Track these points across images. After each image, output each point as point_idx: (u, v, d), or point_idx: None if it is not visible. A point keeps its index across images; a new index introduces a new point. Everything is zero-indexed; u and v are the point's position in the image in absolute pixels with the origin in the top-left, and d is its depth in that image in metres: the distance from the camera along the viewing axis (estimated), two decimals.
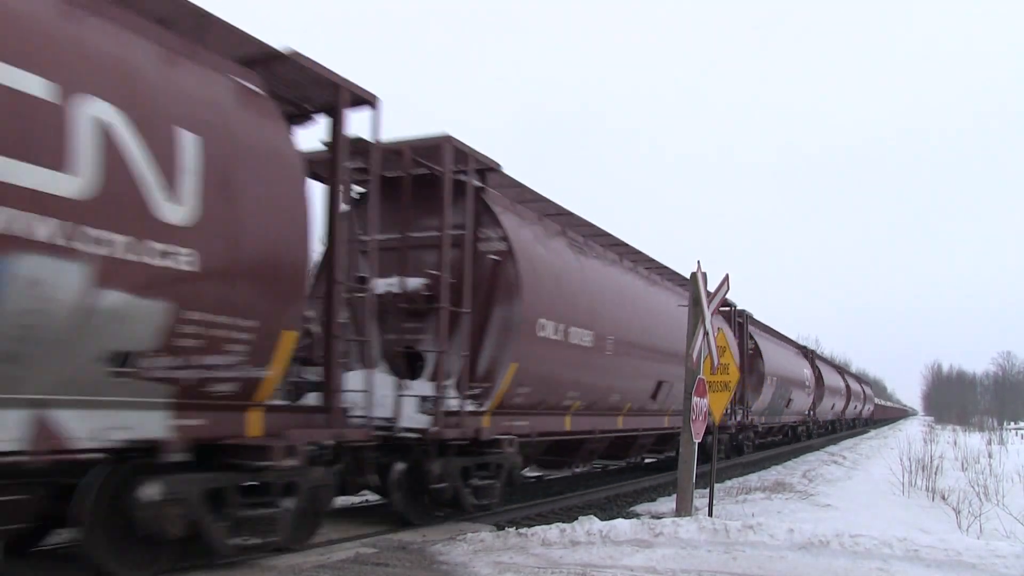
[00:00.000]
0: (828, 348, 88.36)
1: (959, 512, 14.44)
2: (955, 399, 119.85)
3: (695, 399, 9.70)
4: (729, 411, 19.29)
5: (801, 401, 29.58)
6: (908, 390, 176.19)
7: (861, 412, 58.36)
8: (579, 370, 10.94)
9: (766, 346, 23.71)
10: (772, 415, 25.15)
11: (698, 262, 10.01)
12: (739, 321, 21.02)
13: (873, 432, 59.18)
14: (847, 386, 45.95)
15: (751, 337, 22.01)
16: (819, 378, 33.84)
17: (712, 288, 10.22)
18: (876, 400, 77.12)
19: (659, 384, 13.98)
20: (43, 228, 4.45)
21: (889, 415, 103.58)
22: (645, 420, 14.05)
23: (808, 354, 33.16)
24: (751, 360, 21.62)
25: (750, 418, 21.95)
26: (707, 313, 9.78)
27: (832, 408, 38.96)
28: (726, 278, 10.50)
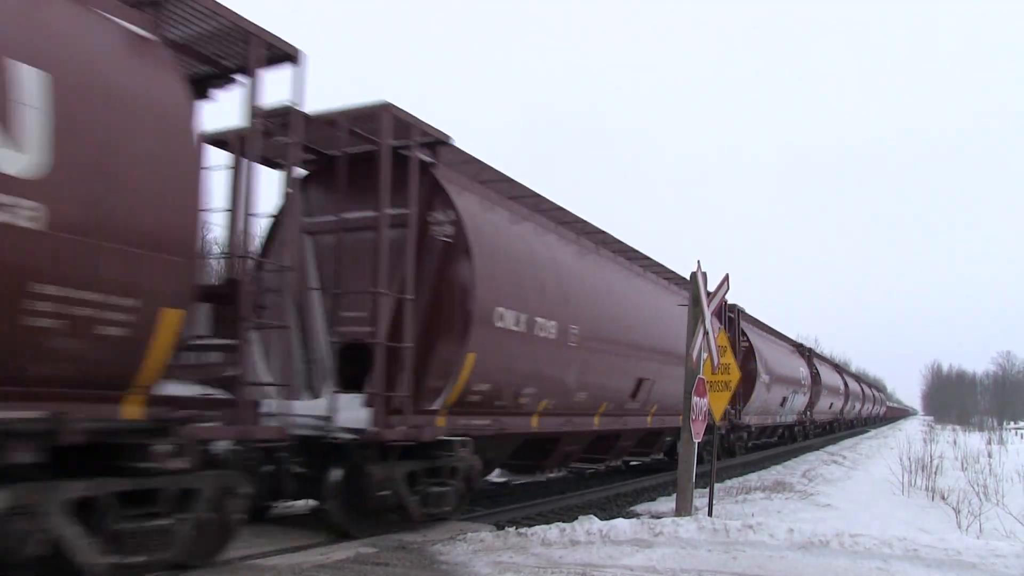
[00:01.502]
0: (828, 348, 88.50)
1: (959, 512, 14.43)
2: (955, 399, 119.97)
3: (695, 399, 9.70)
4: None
5: (797, 401, 29.30)
6: (908, 390, 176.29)
7: (873, 412, 63.91)
8: (544, 365, 10.06)
9: (760, 344, 23.13)
10: (765, 415, 24.81)
11: (698, 262, 10.01)
12: (730, 316, 19.97)
13: (873, 432, 59.21)
14: (846, 386, 46.15)
15: (743, 333, 21.30)
16: (815, 377, 33.41)
17: (712, 288, 10.24)
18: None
19: (639, 381, 12.96)
20: None
21: (889, 415, 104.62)
22: (626, 420, 13.10)
23: (805, 352, 32.86)
24: (744, 358, 20.70)
25: (743, 418, 21.16)
26: (707, 313, 9.79)
27: (831, 407, 39.03)
28: (726, 278, 10.51)
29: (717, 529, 7.77)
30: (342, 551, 7.12)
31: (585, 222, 12.15)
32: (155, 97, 5.35)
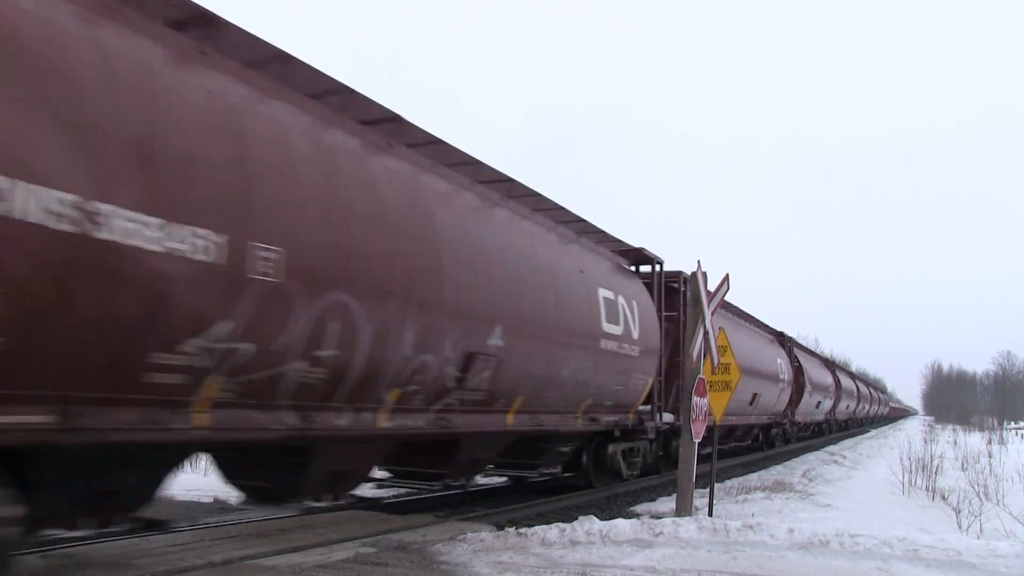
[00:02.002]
0: (828, 347, 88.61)
1: (959, 512, 14.44)
2: (955, 399, 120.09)
3: (695, 399, 9.70)
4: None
5: (826, 404, 35.29)
6: (908, 390, 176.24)
7: (879, 412, 72.05)
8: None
9: (805, 363, 29.35)
10: (806, 415, 31.07)
11: (698, 262, 10.04)
12: (788, 345, 26.99)
13: (873, 432, 59.24)
14: (858, 391, 51.43)
15: (795, 356, 27.97)
16: (838, 384, 38.41)
17: (713, 288, 10.23)
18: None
19: (755, 395, 20.45)
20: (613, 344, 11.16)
21: (891, 415, 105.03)
22: (749, 417, 21.44)
23: (830, 364, 39.63)
24: (795, 374, 26.92)
25: (795, 417, 28.18)
26: (707, 313, 9.79)
27: (847, 408, 45.88)
28: (726, 277, 10.51)
29: (717, 529, 7.77)
30: (342, 551, 7.12)
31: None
32: (644, 297, 12.76)
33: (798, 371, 27.97)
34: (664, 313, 13.65)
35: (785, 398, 25.19)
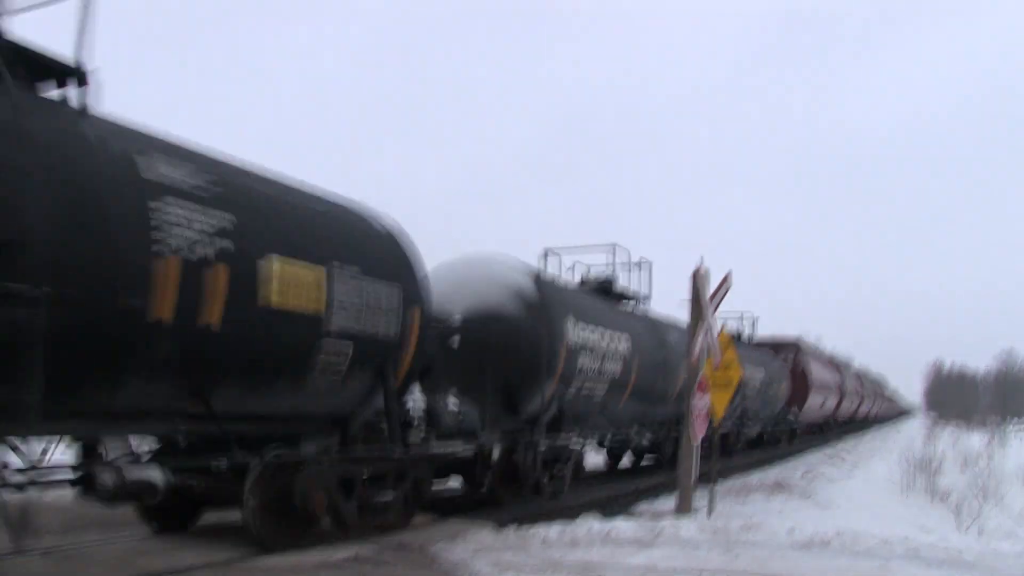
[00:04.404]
0: (830, 345, 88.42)
1: (959, 512, 14.45)
2: (957, 397, 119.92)
3: (695, 398, 9.69)
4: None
5: (829, 404, 35.70)
6: (909, 388, 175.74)
7: (883, 411, 74.70)
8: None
9: (812, 366, 31.07)
10: (811, 414, 32.34)
11: (701, 257, 10.06)
12: (796, 348, 29.64)
13: (873, 431, 59.20)
14: (862, 391, 52.26)
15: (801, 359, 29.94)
16: (842, 385, 39.13)
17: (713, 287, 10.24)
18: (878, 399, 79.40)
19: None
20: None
21: (891, 413, 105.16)
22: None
23: (833, 365, 40.17)
24: (801, 377, 28.91)
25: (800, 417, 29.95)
26: (709, 312, 9.79)
27: (850, 407, 45.96)
28: (727, 276, 10.51)
29: (717, 529, 7.78)
30: (342, 551, 7.12)
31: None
32: (783, 368, 25.89)
33: (803, 372, 29.38)
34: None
35: (790, 398, 27.09)
